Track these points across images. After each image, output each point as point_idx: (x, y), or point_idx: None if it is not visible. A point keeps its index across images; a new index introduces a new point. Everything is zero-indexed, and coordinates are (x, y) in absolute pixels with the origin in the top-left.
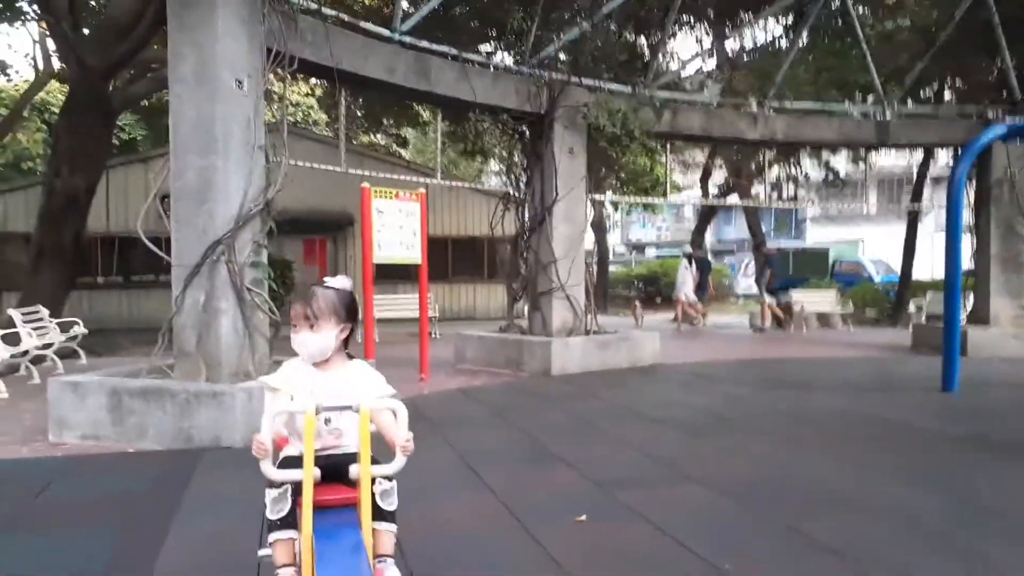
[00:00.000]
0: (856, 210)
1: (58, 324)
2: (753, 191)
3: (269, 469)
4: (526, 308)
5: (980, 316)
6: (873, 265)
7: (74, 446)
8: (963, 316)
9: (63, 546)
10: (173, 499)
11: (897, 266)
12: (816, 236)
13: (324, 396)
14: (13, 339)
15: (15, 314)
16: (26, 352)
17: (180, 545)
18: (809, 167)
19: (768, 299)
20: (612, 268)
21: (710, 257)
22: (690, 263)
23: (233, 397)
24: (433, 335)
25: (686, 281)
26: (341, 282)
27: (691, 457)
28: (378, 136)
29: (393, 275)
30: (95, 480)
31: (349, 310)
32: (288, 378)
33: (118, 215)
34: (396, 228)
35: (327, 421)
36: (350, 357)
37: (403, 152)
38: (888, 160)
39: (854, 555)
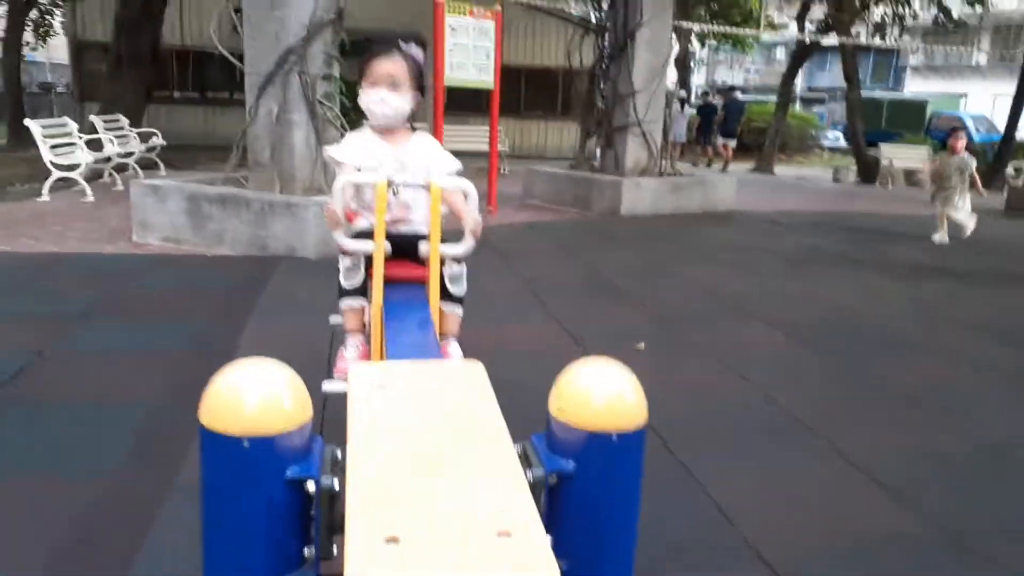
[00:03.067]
0: (964, 60)
1: (138, 134)
2: (853, 31)
3: (341, 238)
4: (598, 148)
5: None
6: (973, 122)
7: (156, 247)
8: None
9: (151, 331)
10: (250, 299)
11: (1001, 125)
12: (916, 87)
13: (392, 167)
14: (96, 145)
15: (97, 121)
16: (109, 159)
17: (258, 336)
18: (918, 6)
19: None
20: (692, 111)
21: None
22: (682, 107)
23: (307, 209)
24: (502, 171)
25: (677, 122)
26: (416, 51)
27: (759, 299)
28: None
29: (464, 107)
30: (177, 277)
31: (420, 79)
32: (355, 150)
33: (192, 28)
34: (469, 48)
35: (395, 193)
36: (413, 130)
37: None
38: (1010, 2)
39: (921, 396)
